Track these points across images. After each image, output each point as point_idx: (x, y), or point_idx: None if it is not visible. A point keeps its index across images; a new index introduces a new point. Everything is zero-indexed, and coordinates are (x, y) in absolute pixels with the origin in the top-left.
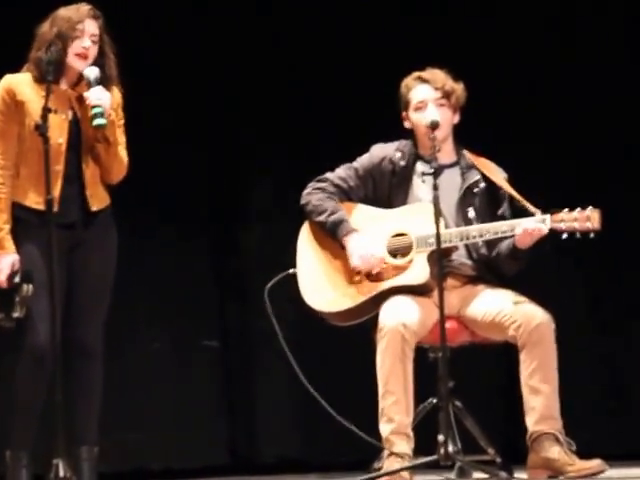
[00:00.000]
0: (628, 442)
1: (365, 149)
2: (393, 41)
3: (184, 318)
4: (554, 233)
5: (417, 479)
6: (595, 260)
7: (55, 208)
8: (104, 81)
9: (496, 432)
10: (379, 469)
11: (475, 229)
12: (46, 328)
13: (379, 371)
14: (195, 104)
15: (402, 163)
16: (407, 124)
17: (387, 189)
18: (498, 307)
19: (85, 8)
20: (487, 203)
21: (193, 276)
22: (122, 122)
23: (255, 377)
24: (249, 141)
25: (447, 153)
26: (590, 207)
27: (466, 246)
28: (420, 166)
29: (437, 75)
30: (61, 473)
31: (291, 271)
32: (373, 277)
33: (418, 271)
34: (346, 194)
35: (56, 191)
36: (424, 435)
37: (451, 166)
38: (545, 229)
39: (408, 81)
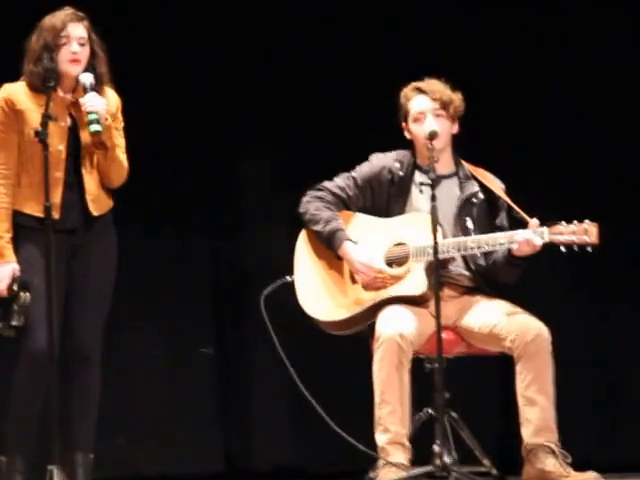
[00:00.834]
0: (624, 455)
1: (364, 157)
2: (394, 48)
3: (180, 324)
4: (552, 245)
5: None
6: (594, 271)
7: (56, 215)
8: (97, 81)
9: (492, 443)
10: (374, 478)
11: (473, 240)
12: (44, 334)
13: (375, 380)
14: (191, 107)
15: (401, 173)
16: (407, 134)
17: (385, 199)
18: (495, 318)
19: (67, 13)
20: (485, 213)
21: (189, 282)
22: (122, 126)
23: (251, 384)
24: (248, 147)
25: (445, 163)
26: (587, 220)
27: (464, 257)
28: (419, 176)
29: (435, 85)
30: (56, 479)
31: (288, 279)
32: (370, 287)
33: (415, 281)
34: (344, 203)
35: (57, 197)
36: (420, 445)
37: (449, 176)
38: (541, 241)
39: (406, 91)
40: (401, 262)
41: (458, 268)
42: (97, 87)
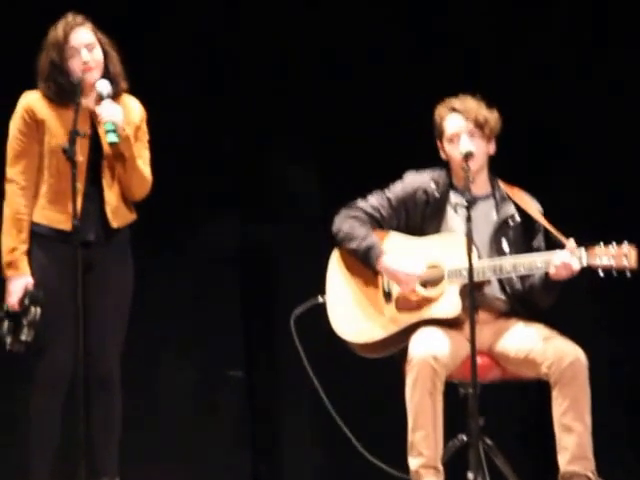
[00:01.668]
0: None
1: (398, 174)
2: (429, 66)
3: (210, 347)
4: (590, 269)
5: None
6: (632, 296)
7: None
8: (113, 83)
9: (527, 471)
10: None
11: (509, 263)
12: (60, 354)
13: (408, 404)
14: (225, 125)
15: (436, 194)
16: (442, 154)
17: (420, 219)
18: (531, 343)
19: (67, 21)
20: (522, 236)
21: (220, 303)
22: (146, 138)
23: (281, 408)
24: (281, 166)
25: (481, 184)
26: (626, 243)
27: (499, 280)
28: (454, 197)
29: (469, 104)
30: None
31: (320, 299)
32: (404, 308)
33: (450, 303)
34: (378, 223)
35: (75, 210)
36: (453, 472)
37: (485, 198)
38: (579, 265)
39: (441, 110)
40: (435, 284)
41: (494, 291)
42: (114, 91)
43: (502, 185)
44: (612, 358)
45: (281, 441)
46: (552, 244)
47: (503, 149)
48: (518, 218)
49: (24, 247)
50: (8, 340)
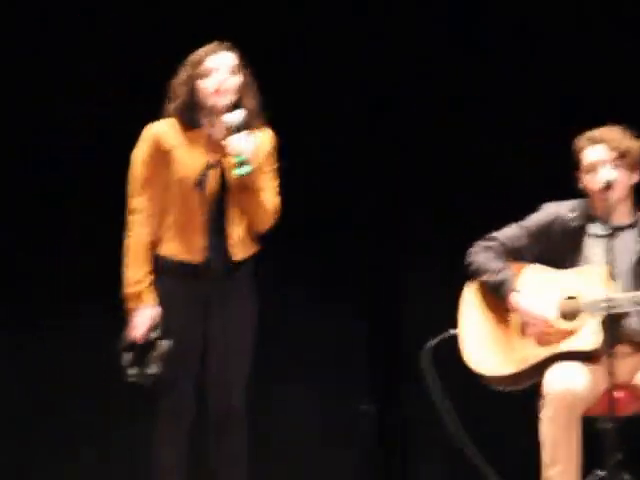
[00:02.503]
0: None
1: (531, 209)
2: (560, 96)
3: (336, 381)
4: None
5: None
6: None
7: (199, 259)
8: (247, 119)
9: None
10: None
11: None
12: (185, 389)
13: (544, 439)
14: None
15: (574, 223)
16: (580, 184)
17: (557, 250)
18: None
19: (210, 46)
20: None
21: (345, 337)
22: (273, 167)
23: (411, 443)
24: (409, 199)
25: (623, 214)
26: None
27: None
28: (593, 227)
29: (610, 134)
30: None
31: (452, 332)
32: (541, 341)
33: (589, 336)
34: (515, 254)
35: (200, 242)
36: None
37: (627, 228)
38: None
39: (581, 141)
40: (573, 316)
41: (634, 324)
42: (246, 124)
43: None
44: None
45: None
46: None
47: None
48: None
49: (150, 278)
50: (131, 372)
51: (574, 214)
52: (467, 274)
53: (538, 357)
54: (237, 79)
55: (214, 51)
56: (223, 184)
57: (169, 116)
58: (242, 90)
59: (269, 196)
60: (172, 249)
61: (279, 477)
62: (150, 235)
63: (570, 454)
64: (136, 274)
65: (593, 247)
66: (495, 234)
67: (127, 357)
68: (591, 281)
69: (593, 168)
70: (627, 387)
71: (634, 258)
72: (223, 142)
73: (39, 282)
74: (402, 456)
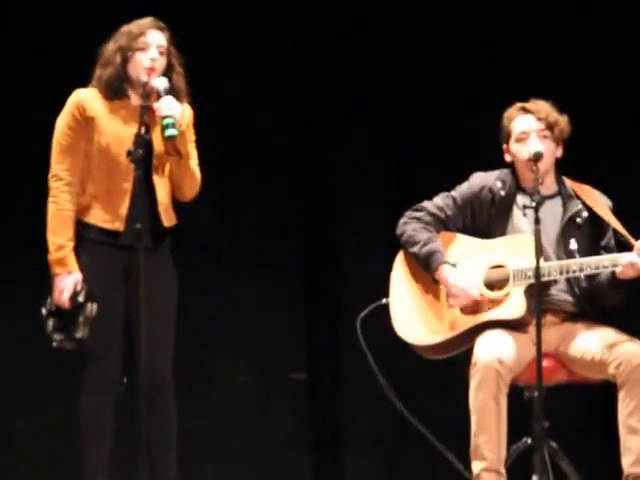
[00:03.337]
0: None
1: (463, 178)
2: (493, 71)
3: (271, 350)
4: None
5: None
6: None
7: (120, 227)
8: (172, 93)
9: (591, 473)
10: None
11: (576, 262)
12: (109, 355)
13: (472, 407)
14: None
15: (502, 193)
16: (507, 157)
17: (486, 219)
18: (598, 345)
19: (147, 20)
20: (590, 233)
21: (283, 304)
22: (193, 139)
23: (343, 410)
24: (345, 168)
25: (548, 184)
26: None
27: (567, 280)
28: (521, 198)
29: (541, 106)
30: None
31: (384, 301)
32: (467, 310)
33: (515, 305)
34: (443, 223)
35: (123, 209)
36: (517, 476)
37: (552, 197)
38: None
39: (510, 112)
40: (501, 285)
41: (561, 293)
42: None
43: (569, 183)
44: None
45: (343, 445)
46: (621, 243)
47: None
48: (585, 214)
49: (71, 244)
50: (57, 337)
51: (502, 183)
52: (399, 244)
53: (465, 326)
54: (164, 61)
55: (152, 27)
56: (150, 152)
57: (97, 80)
58: (170, 73)
59: (194, 164)
60: (96, 216)
61: (212, 445)
62: (71, 202)
63: (497, 422)
64: (58, 240)
65: (521, 218)
66: (424, 204)
67: (52, 322)
68: (519, 250)
69: (522, 138)
70: (554, 355)
71: (559, 225)
72: (155, 105)
73: None
74: (335, 425)
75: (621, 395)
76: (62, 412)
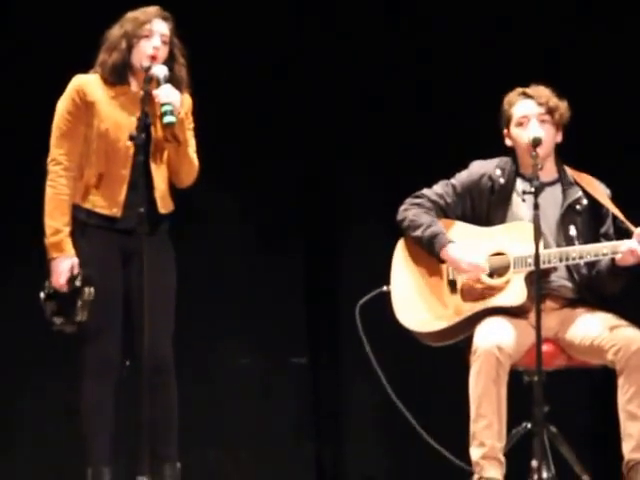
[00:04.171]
0: None
1: (463, 166)
2: (494, 57)
3: (273, 334)
4: None
5: None
6: None
7: (118, 213)
8: (173, 83)
9: (591, 459)
10: None
11: (575, 250)
12: (109, 339)
13: (472, 393)
14: (288, 115)
15: (501, 181)
16: (508, 142)
17: (486, 207)
18: (597, 330)
19: (153, 9)
20: (590, 221)
21: (283, 291)
22: (192, 126)
23: (344, 395)
24: (345, 156)
25: (548, 170)
26: None
27: (567, 267)
28: (520, 184)
29: (541, 91)
30: None
31: (384, 288)
32: (469, 297)
33: (515, 292)
34: (443, 211)
35: (121, 195)
36: (517, 460)
37: (552, 183)
38: None
39: (511, 97)
40: (501, 272)
41: (560, 279)
42: (173, 86)
43: (569, 171)
44: None
45: (343, 430)
46: (620, 230)
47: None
48: (585, 201)
49: (67, 229)
50: (57, 321)
51: (501, 170)
52: (399, 231)
53: (466, 313)
54: (166, 51)
55: (158, 15)
56: (149, 138)
57: (101, 65)
58: (172, 63)
59: (192, 152)
60: (94, 202)
61: (213, 429)
62: (69, 187)
63: (496, 408)
64: (54, 224)
65: (521, 204)
66: (423, 191)
67: (51, 306)
68: (519, 237)
69: (523, 122)
70: (554, 341)
71: (559, 212)
72: (154, 92)
73: None
74: (335, 410)
75: (620, 381)
76: (62, 396)
